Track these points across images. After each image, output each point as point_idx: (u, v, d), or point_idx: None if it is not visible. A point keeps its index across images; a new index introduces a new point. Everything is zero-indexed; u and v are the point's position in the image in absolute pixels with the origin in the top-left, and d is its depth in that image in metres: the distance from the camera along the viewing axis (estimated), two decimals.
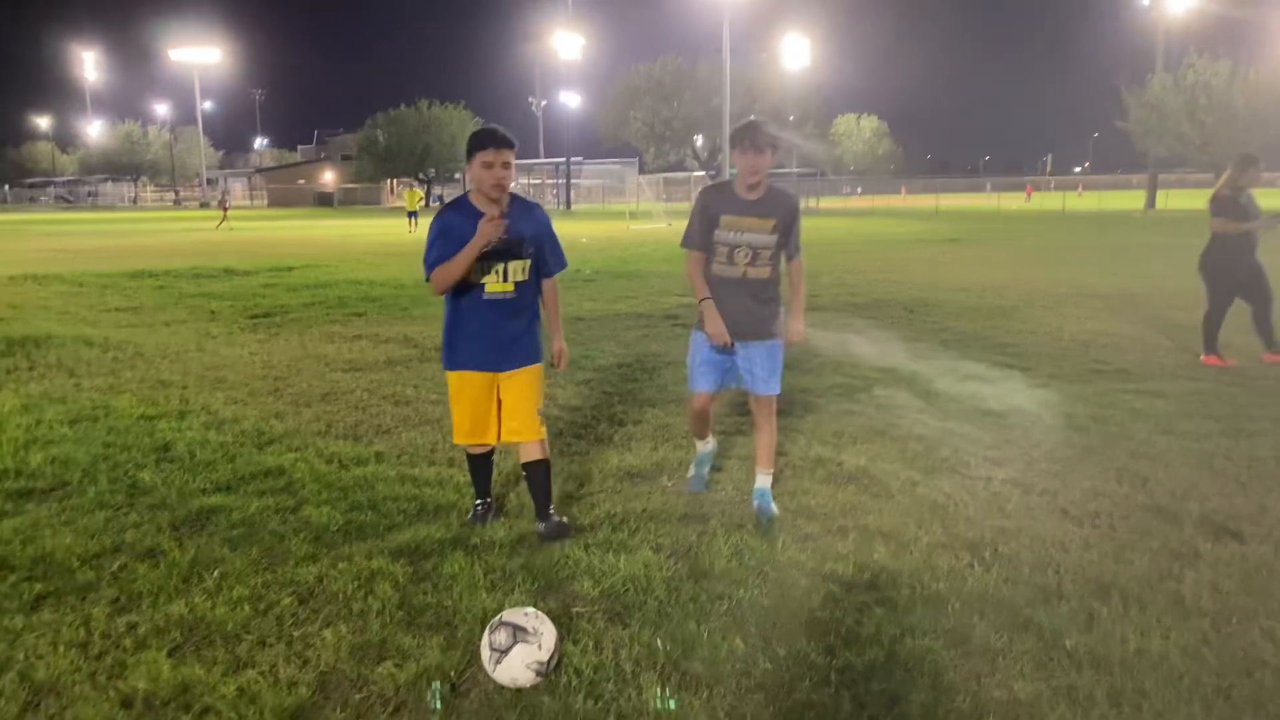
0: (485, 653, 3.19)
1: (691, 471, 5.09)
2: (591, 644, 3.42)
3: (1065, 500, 4.90)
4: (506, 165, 4.15)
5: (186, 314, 12.35)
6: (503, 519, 4.67)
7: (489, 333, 4.29)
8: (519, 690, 3.13)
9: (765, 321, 4.59)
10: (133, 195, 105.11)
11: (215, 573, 4.04)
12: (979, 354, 9.08)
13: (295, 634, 3.53)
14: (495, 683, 3.16)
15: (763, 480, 4.81)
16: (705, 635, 3.48)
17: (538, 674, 3.13)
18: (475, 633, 3.46)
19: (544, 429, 4.47)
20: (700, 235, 4.55)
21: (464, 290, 4.25)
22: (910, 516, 4.69)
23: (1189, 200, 56.11)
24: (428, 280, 4.25)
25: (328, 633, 3.52)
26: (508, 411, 4.40)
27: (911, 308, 12.56)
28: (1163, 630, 3.49)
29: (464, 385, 4.38)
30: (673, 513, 4.75)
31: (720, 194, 4.55)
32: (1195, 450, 5.75)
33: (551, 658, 3.18)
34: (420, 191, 43.61)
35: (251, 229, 38.61)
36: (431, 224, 4.26)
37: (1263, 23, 53.17)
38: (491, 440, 4.48)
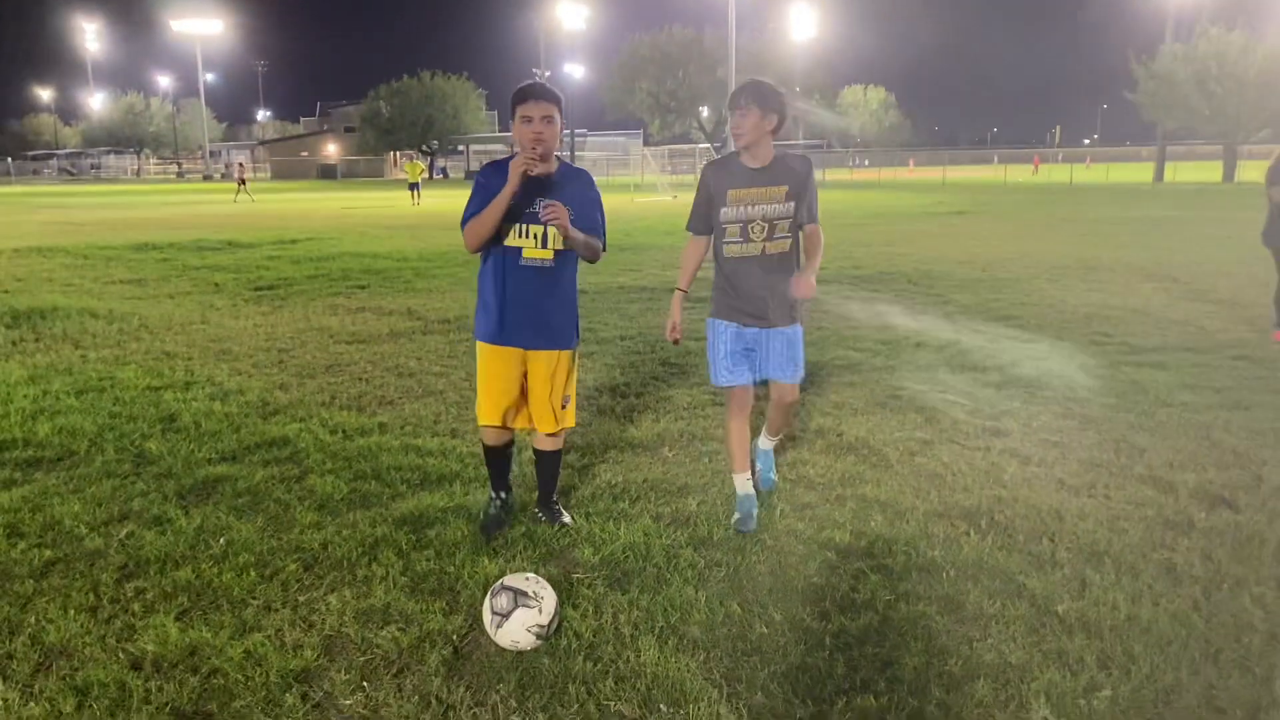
0: (487, 616, 3.25)
1: (736, 515, 4.28)
2: (591, 609, 3.48)
3: (1062, 470, 4.94)
4: (548, 119, 3.80)
5: (190, 286, 12.40)
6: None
7: (520, 303, 3.98)
8: (520, 653, 3.19)
9: (789, 305, 4.18)
10: (135, 168, 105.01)
11: (222, 540, 4.10)
12: (981, 326, 9.10)
13: (300, 599, 3.59)
14: (497, 645, 3.22)
15: (765, 442, 4.63)
16: (703, 600, 3.54)
17: (538, 637, 3.20)
18: (477, 598, 3.52)
19: (570, 419, 4.23)
20: (702, 217, 4.20)
21: (499, 252, 3.96)
22: (908, 486, 4.74)
23: (1198, 173, 55.87)
24: (464, 232, 3.98)
25: (332, 598, 3.58)
26: (539, 396, 4.12)
27: (915, 280, 12.56)
28: (1153, 597, 3.54)
29: (488, 359, 4.07)
30: (673, 483, 4.80)
31: (724, 168, 4.15)
32: (1194, 422, 5.78)
33: (552, 621, 3.24)
34: (422, 164, 43.41)
35: (261, 200, 38.57)
36: (476, 177, 4.00)
37: None
38: (514, 426, 4.19)
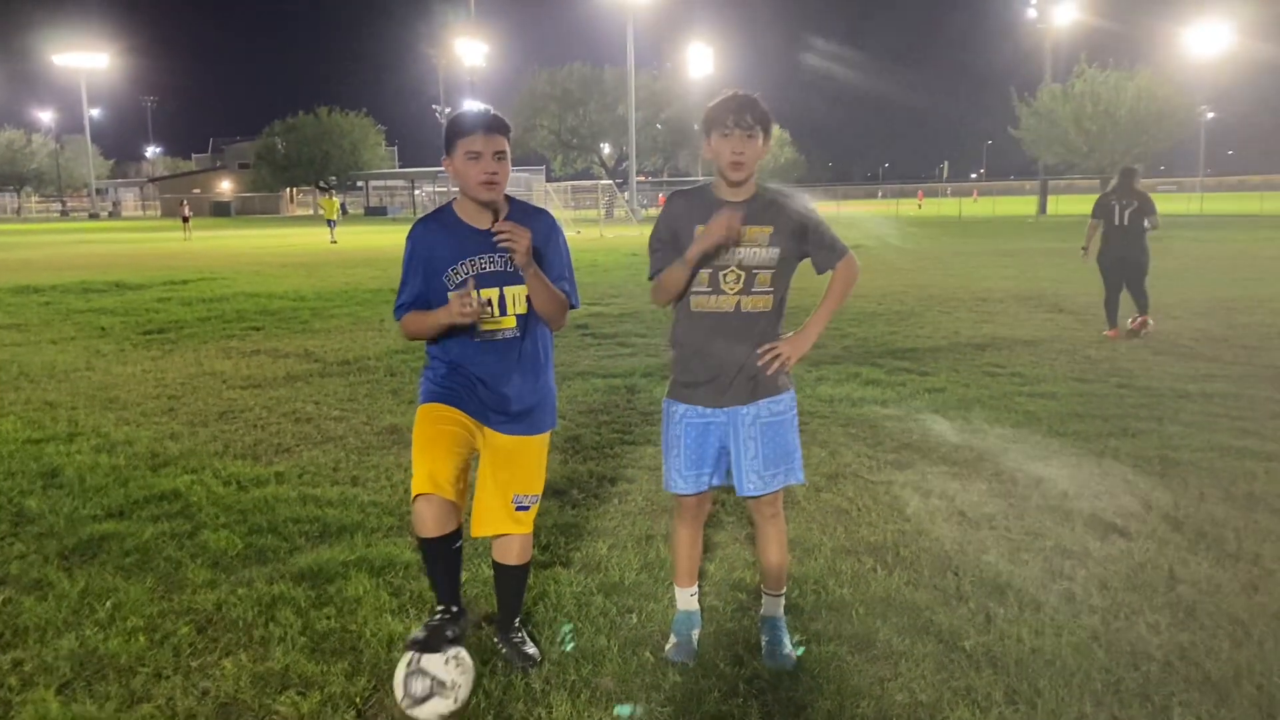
0: (399, 690, 3.04)
1: (671, 640, 3.50)
2: (500, 664, 3.39)
3: (963, 503, 5.04)
4: (500, 156, 3.11)
5: (75, 331, 11.88)
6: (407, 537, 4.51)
7: (480, 383, 3.24)
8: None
9: (764, 377, 3.31)
10: (15, 206, 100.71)
11: (108, 603, 3.89)
12: (878, 359, 9.29)
13: (193, 664, 3.42)
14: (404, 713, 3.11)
15: (770, 605, 3.57)
16: (615, 650, 3.48)
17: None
18: (381, 658, 3.41)
19: (527, 523, 3.36)
20: (666, 259, 3.26)
21: (447, 332, 3.21)
22: (814, 522, 4.77)
23: (1078, 205, 58.32)
24: (403, 326, 3.29)
25: (227, 662, 3.42)
26: (486, 488, 3.30)
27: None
28: (1055, 628, 3.61)
29: (436, 417, 3.22)
30: (583, 527, 4.74)
31: (694, 200, 3.29)
32: (1085, 450, 5.97)
33: (467, 700, 3.11)
34: (337, 200, 42.71)
35: (151, 240, 37.34)
36: (406, 242, 3.25)
37: (1143, 34, 55.73)
38: (457, 501, 3.18)
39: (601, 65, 73.61)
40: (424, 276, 3.22)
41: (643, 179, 75.16)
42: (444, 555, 3.20)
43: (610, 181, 63.96)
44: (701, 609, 3.68)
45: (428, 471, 3.10)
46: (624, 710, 3.10)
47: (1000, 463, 5.74)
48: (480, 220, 3.19)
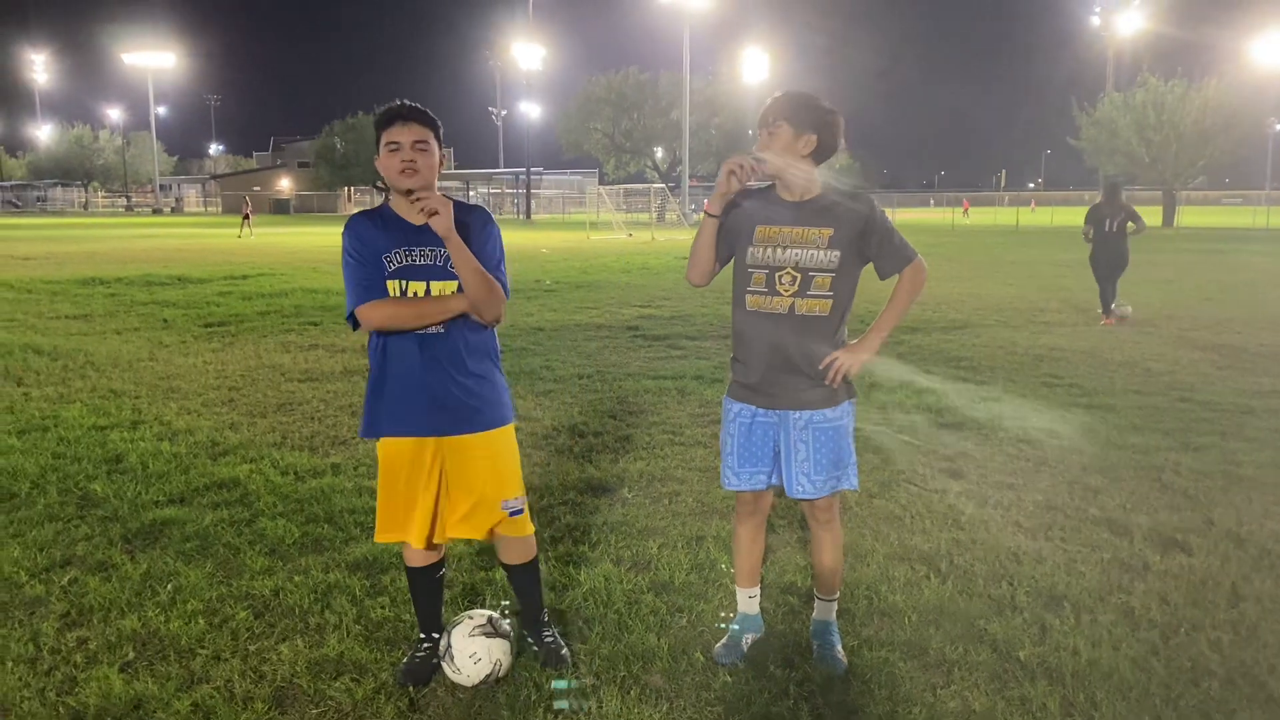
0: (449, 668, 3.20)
1: (724, 640, 3.49)
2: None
3: (1019, 513, 4.98)
4: (422, 146, 3.03)
5: (138, 322, 12.16)
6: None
7: (420, 385, 3.13)
8: (478, 705, 3.12)
9: (821, 385, 3.24)
10: (83, 201, 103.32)
11: (169, 586, 3.98)
12: (934, 367, 9.19)
13: (251, 649, 3.49)
14: (453, 683, 3.14)
15: (822, 610, 3.55)
16: (665, 648, 3.49)
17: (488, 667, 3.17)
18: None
19: (526, 526, 3.35)
20: (720, 249, 3.27)
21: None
22: (867, 528, 4.74)
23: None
24: (350, 320, 3.14)
25: (284, 647, 3.48)
26: (459, 495, 3.20)
27: (866, 320, 12.64)
28: (1113, 641, 3.55)
29: (392, 456, 3.20)
30: (633, 525, 4.75)
31: (759, 195, 3.28)
32: (1145, 464, 5.86)
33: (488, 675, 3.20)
34: None
35: (212, 235, 38.12)
36: (342, 241, 3.13)
37: (1210, 43, 54.56)
38: (422, 541, 3.21)
39: (657, 70, 73.74)
40: (366, 271, 3.08)
41: (695, 183, 75.08)
42: (427, 583, 3.36)
43: (663, 185, 64.00)
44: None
45: (386, 516, 3.21)
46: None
47: (1056, 474, 5.65)
48: (413, 215, 3.11)
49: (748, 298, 3.25)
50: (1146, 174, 55.05)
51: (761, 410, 3.29)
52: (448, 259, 3.06)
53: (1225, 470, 5.71)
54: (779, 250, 3.17)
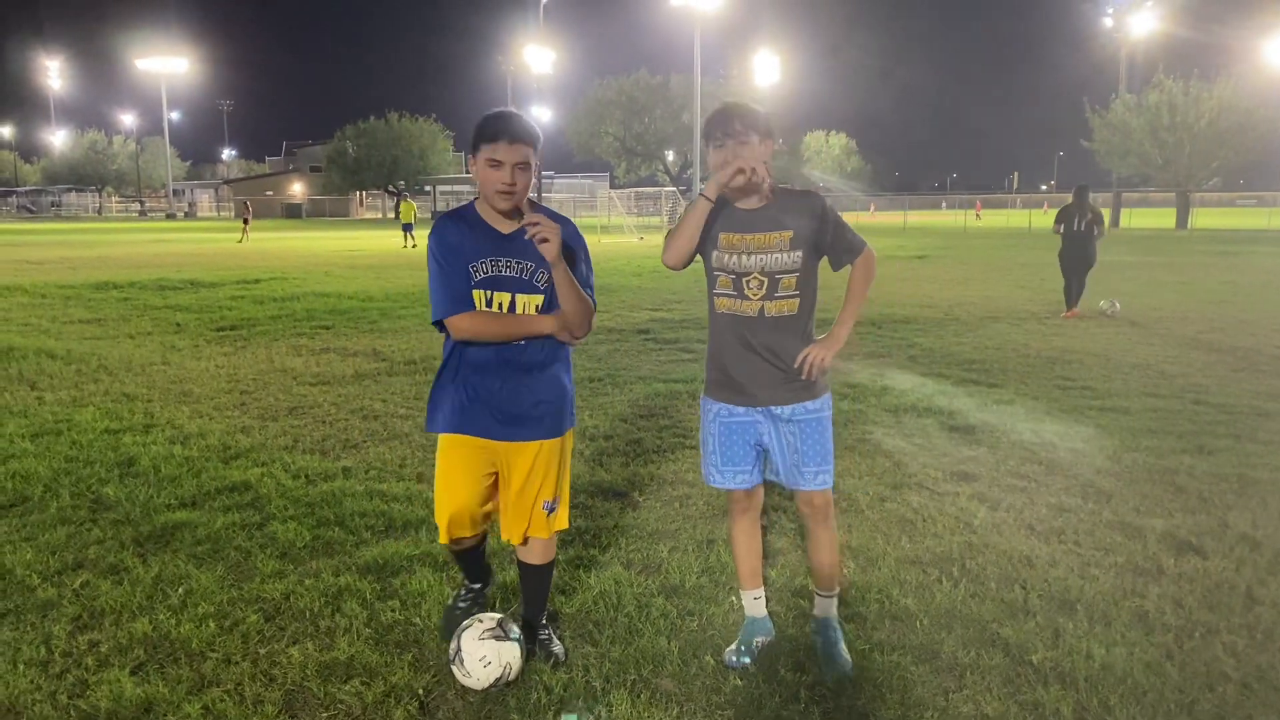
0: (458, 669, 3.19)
1: (733, 646, 3.46)
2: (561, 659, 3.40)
3: (1031, 516, 4.95)
4: (524, 166, 3.00)
5: (151, 326, 12.21)
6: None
7: (492, 392, 3.16)
8: (488, 707, 3.11)
9: (798, 380, 3.34)
10: (97, 206, 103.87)
11: (180, 589, 3.98)
12: (946, 370, 9.16)
13: (261, 652, 3.49)
14: (464, 688, 3.14)
15: (822, 606, 3.56)
16: (676, 651, 3.48)
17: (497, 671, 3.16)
18: (444, 651, 3.44)
19: (562, 520, 3.39)
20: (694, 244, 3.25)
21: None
22: (879, 532, 4.72)
23: (1152, 219, 57.03)
24: (438, 324, 3.14)
25: (294, 650, 3.48)
26: (509, 499, 3.29)
27: (878, 323, 12.65)
28: (1127, 645, 3.53)
29: (452, 454, 3.23)
30: (644, 528, 4.74)
31: (720, 201, 3.23)
32: (1158, 467, 5.82)
33: (499, 677, 3.19)
34: (414, 204, 39.67)
35: (224, 240, 38.27)
36: (429, 244, 3.13)
37: (1224, 44, 54.29)
38: (476, 531, 3.38)
39: (668, 73, 73.76)
40: (455, 278, 3.06)
41: None
42: (471, 552, 3.52)
43: (674, 188, 64.00)
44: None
45: (448, 516, 3.25)
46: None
47: (1069, 477, 5.62)
48: (501, 223, 3.11)
49: (717, 300, 3.32)
50: (1160, 176, 54.73)
51: (740, 409, 3.35)
52: (535, 271, 3.10)
53: (1240, 473, 5.67)
54: (744, 257, 3.22)
